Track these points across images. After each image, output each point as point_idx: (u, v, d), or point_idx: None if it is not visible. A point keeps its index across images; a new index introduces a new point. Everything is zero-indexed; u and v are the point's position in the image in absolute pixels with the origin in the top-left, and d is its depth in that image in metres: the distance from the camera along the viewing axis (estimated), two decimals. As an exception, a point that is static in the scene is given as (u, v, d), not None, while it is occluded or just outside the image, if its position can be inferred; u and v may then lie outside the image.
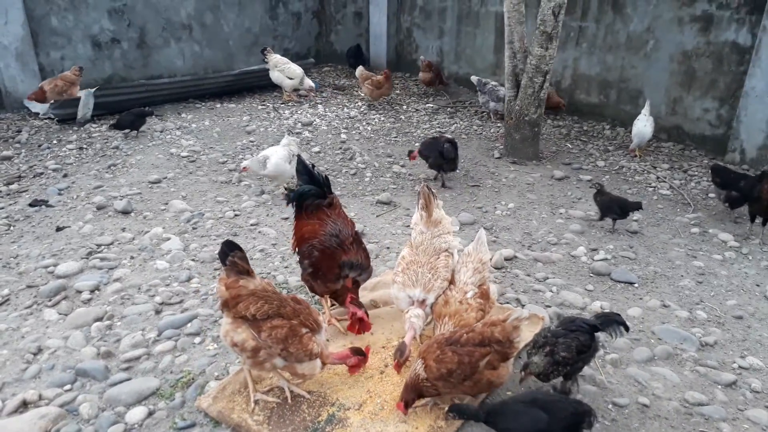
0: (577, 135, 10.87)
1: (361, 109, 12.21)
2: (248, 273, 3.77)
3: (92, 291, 5.32)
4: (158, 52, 13.33)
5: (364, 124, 11.24)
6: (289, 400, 3.94)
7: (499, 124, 11.16)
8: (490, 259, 4.50)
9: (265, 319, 3.65)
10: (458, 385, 3.69)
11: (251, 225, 6.85)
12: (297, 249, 4.76)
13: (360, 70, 12.42)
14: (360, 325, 4.45)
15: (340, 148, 9.80)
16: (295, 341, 3.66)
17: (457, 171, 8.63)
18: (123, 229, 6.66)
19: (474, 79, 11.84)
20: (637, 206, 7.01)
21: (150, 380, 4.13)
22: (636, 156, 9.63)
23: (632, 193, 8.37)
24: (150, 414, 3.84)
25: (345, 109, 12.20)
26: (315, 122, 11.23)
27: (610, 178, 8.93)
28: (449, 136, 8.65)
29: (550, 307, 5.29)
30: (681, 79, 10.16)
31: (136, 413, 3.82)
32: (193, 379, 4.17)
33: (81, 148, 9.62)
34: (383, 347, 4.54)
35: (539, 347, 3.85)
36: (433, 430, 3.71)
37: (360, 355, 3.95)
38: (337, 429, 3.71)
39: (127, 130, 10.09)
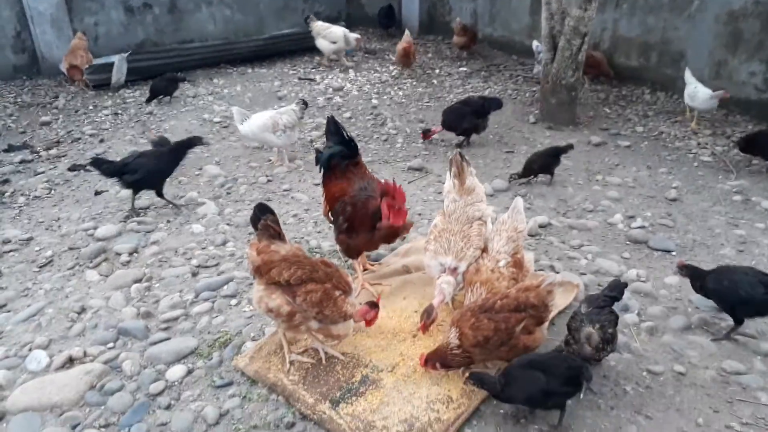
0: (616, 99, 10.57)
1: (393, 74, 12.07)
2: (280, 236, 3.80)
3: (131, 253, 5.45)
4: (190, 16, 13.32)
5: (396, 88, 11.12)
6: (324, 362, 4.00)
7: (534, 89, 10.91)
8: (526, 228, 4.44)
9: (299, 284, 3.68)
10: (494, 351, 3.69)
11: (284, 191, 6.89)
12: (330, 210, 4.81)
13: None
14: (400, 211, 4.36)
15: (371, 114, 9.73)
16: (330, 304, 3.70)
17: (486, 135, 8.50)
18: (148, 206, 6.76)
19: (534, 45, 11.31)
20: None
21: (188, 340, 4.24)
22: (696, 131, 9.04)
23: (671, 159, 8.14)
24: (189, 372, 3.95)
25: (376, 74, 12.07)
26: (346, 87, 11.15)
27: (648, 144, 8.69)
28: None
29: (585, 274, 5.23)
30: (726, 41, 9.73)
31: (176, 371, 3.93)
32: (229, 339, 4.26)
33: (116, 114, 9.76)
34: (415, 311, 4.55)
35: (583, 325, 3.74)
36: (466, 394, 3.74)
37: (374, 307, 3.95)
38: (370, 389, 3.77)
39: (160, 96, 10.16)
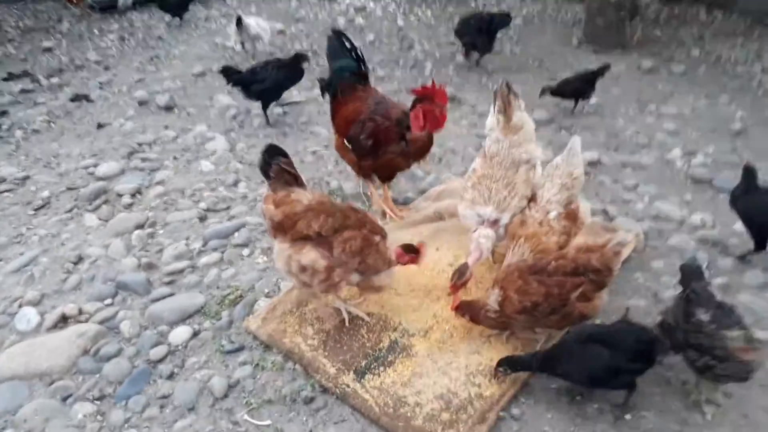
0: (667, 20, 9.52)
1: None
2: (297, 181, 3.23)
3: (133, 195, 4.94)
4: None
5: (424, 8, 10.17)
6: (347, 323, 3.51)
7: (577, 8, 9.88)
8: (583, 174, 3.79)
9: (333, 234, 3.15)
10: (542, 319, 3.15)
11: (301, 123, 6.25)
12: (345, 137, 4.29)
13: None
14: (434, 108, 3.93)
15: (397, 36, 8.88)
16: (372, 251, 3.22)
17: (525, 60, 7.66)
18: (165, 127, 6.19)
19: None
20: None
21: (195, 296, 3.77)
22: None
23: (733, 87, 7.26)
24: (195, 334, 3.49)
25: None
26: (368, 7, 10.23)
27: (706, 70, 7.78)
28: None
29: (642, 220, 4.59)
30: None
31: (180, 333, 3.47)
32: (241, 296, 3.78)
33: (122, 39, 9.08)
34: (450, 265, 3.99)
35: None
36: (510, 363, 3.22)
37: (412, 252, 3.42)
38: (400, 358, 3.28)
39: (170, 16, 9.41)
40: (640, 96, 7.02)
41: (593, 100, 6.75)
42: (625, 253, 3.72)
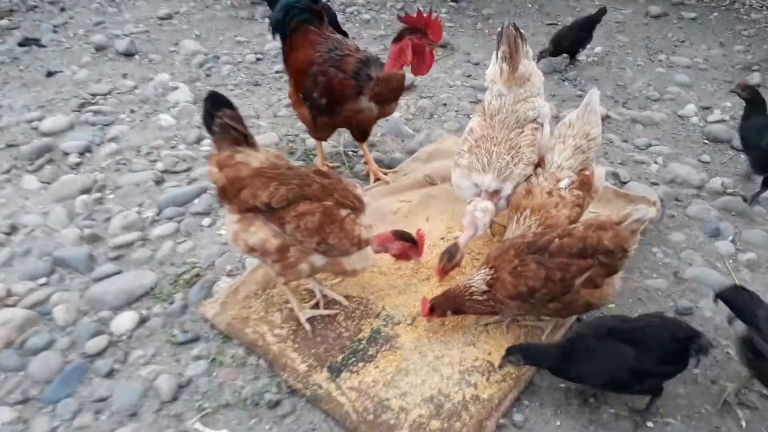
0: None
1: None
2: (247, 140, 2.65)
3: (82, 153, 4.32)
4: None
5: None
6: (321, 308, 3.00)
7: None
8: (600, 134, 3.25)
9: (287, 207, 2.59)
10: (540, 308, 2.67)
11: (276, 72, 5.60)
12: (299, 91, 3.74)
13: None
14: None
15: (384, -23, 8.10)
16: (335, 228, 2.64)
17: (524, 3, 6.99)
18: (124, 75, 5.51)
19: None
20: None
21: (144, 274, 3.23)
22: None
23: (748, 35, 6.69)
24: (141, 322, 2.97)
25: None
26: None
27: (719, 15, 7.18)
28: None
29: (657, 184, 4.08)
30: None
31: (124, 321, 2.95)
32: (198, 274, 3.25)
33: (82, -24, 8.21)
34: (442, 239, 3.49)
35: None
36: (512, 357, 2.75)
37: (408, 241, 2.89)
38: (383, 352, 2.79)
39: None
40: (648, 44, 6.44)
41: (598, 48, 6.15)
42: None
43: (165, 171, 4.12)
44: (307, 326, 2.88)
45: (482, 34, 6.65)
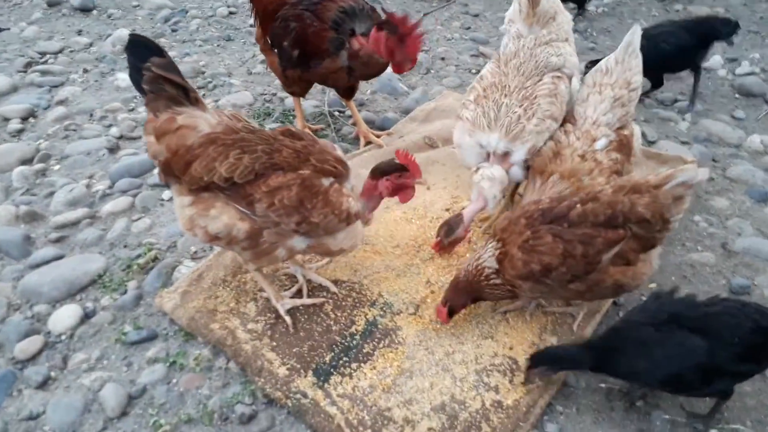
0: None
1: None
2: (187, 96, 2.04)
3: (25, 119, 3.73)
4: None
5: None
6: (305, 296, 2.48)
7: None
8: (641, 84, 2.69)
9: (254, 180, 2.03)
10: (558, 290, 2.16)
11: (251, 26, 4.98)
12: (266, 35, 3.20)
13: None
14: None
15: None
16: (318, 203, 2.09)
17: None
18: (79, 32, 4.88)
19: None
20: None
21: (91, 259, 2.68)
22: None
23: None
24: (86, 317, 2.43)
25: None
26: None
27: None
28: None
29: (687, 143, 3.58)
30: None
31: (64, 316, 2.41)
32: (156, 257, 2.70)
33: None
34: (447, 210, 2.96)
35: None
36: (537, 348, 2.26)
37: (393, 172, 2.27)
38: (382, 349, 2.28)
39: None
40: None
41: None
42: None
43: (121, 137, 3.55)
44: (288, 319, 2.36)
45: (481, -15, 6.04)
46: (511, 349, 2.28)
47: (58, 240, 2.81)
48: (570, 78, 2.76)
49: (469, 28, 5.08)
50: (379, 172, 2.27)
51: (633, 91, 2.57)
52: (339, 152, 2.24)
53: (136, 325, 2.40)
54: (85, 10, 5.27)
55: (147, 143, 2.06)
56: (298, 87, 3.25)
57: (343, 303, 2.46)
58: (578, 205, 2.10)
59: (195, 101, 2.05)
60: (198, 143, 2.00)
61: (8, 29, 4.96)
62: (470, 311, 2.41)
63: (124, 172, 3.19)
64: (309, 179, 2.07)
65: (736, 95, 4.21)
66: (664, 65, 3.87)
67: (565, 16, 2.83)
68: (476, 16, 5.31)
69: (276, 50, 3.14)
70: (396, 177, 2.26)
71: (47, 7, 5.36)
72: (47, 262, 2.67)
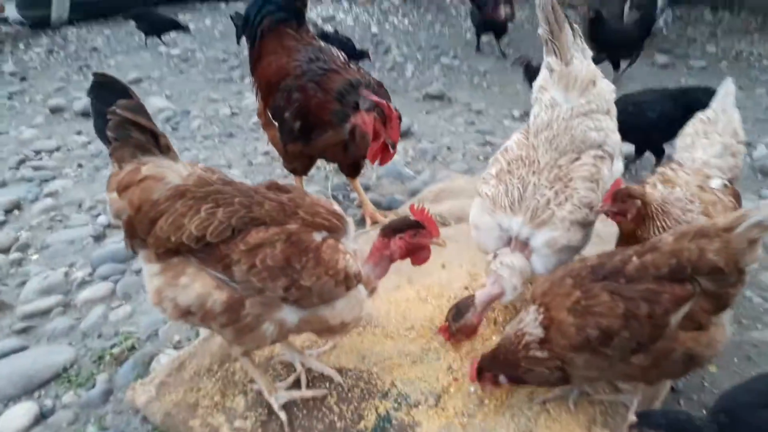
0: (671, 21, 8.57)
1: (395, 2, 10.03)
2: (157, 144, 1.77)
3: (9, 211, 3.50)
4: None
5: (400, 16, 9.11)
6: (303, 387, 2.09)
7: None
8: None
9: (230, 239, 1.72)
10: (618, 364, 1.77)
11: (253, 124, 4.92)
12: (267, 105, 3.02)
13: None
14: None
15: (371, 42, 7.72)
16: (308, 262, 1.75)
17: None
18: (78, 133, 4.83)
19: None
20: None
21: (58, 351, 2.33)
22: None
23: (765, 80, 6.22)
24: (42, 417, 2.04)
25: (374, 4, 10.03)
26: (338, 17, 9.12)
27: (729, 64, 6.76)
28: None
29: (720, 221, 3.32)
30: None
31: (14, 417, 2.01)
32: (133, 347, 2.35)
33: (51, 51, 7.76)
34: (466, 288, 2.63)
35: None
36: None
37: (406, 229, 1.95)
38: (398, 450, 1.86)
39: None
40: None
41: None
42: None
43: (109, 225, 3.30)
44: (282, 415, 1.95)
45: (480, 87, 6.11)
46: (561, 444, 1.87)
47: (23, 330, 2.47)
48: (612, 159, 2.38)
49: (473, 123, 5.02)
50: (391, 230, 1.95)
51: (740, 143, 2.39)
52: (336, 207, 1.95)
53: (101, 425, 2.00)
54: (87, 114, 5.25)
55: (109, 201, 1.75)
56: (299, 163, 3.05)
57: (350, 395, 2.07)
58: (634, 258, 1.78)
59: (165, 149, 1.77)
60: (165, 197, 1.70)
61: (6, 133, 4.89)
62: (502, 402, 2.02)
63: (107, 257, 2.91)
64: (297, 234, 1.75)
65: (758, 175, 4.04)
66: (647, 133, 3.78)
67: (607, 84, 2.45)
68: (479, 112, 5.29)
69: (277, 123, 2.96)
70: (411, 235, 1.94)
71: (49, 114, 5.36)
72: (6, 354, 2.31)
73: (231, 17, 3.63)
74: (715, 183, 2.21)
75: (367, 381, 2.12)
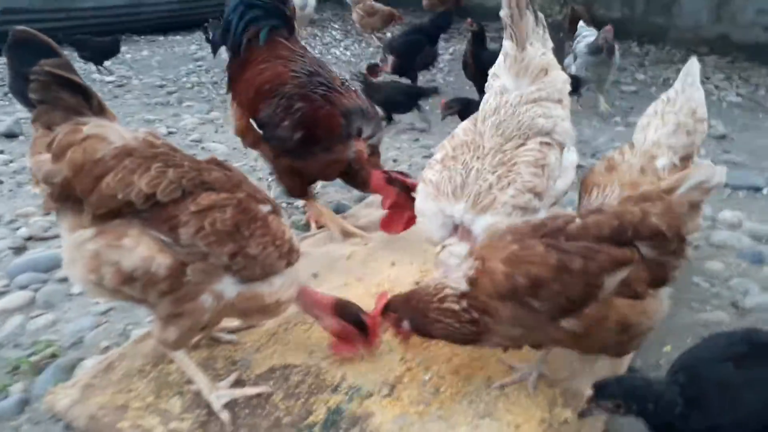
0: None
1: (336, 36, 10.12)
2: (89, 104, 1.68)
3: None
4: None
5: (342, 48, 9.19)
6: (246, 384, 1.92)
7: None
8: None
9: (180, 200, 1.64)
10: (545, 325, 1.69)
11: (191, 141, 4.76)
12: (255, 114, 2.76)
13: None
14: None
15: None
16: (257, 228, 1.73)
17: (459, 92, 6.65)
18: (1, 152, 4.52)
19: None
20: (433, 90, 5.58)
21: (-33, 362, 2.07)
22: None
23: (692, 103, 6.56)
24: (-59, 433, 1.78)
25: (316, 38, 10.10)
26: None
27: (658, 89, 7.06)
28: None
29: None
30: (727, -26, 8.34)
31: None
32: (54, 354, 2.12)
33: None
34: (416, 283, 2.53)
35: None
36: (551, 427, 1.75)
37: (353, 322, 1.94)
38: (351, 443, 1.71)
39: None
40: (597, 111, 6.12)
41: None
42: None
43: (30, 238, 3.05)
44: (224, 415, 1.79)
45: (424, 110, 6.16)
46: (517, 428, 1.77)
47: (-74, 344, 2.20)
48: (562, 148, 2.35)
49: (417, 139, 5.03)
50: (341, 311, 1.94)
51: (699, 122, 2.46)
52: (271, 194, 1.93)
53: (14, 436, 1.76)
54: (11, 136, 4.97)
55: (34, 165, 1.62)
56: (292, 182, 2.87)
57: (297, 390, 1.92)
58: (577, 219, 1.74)
59: (99, 110, 1.69)
60: (111, 155, 1.60)
61: None
62: (458, 390, 1.91)
63: (26, 267, 2.66)
64: (247, 201, 1.71)
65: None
66: None
67: (560, 75, 2.47)
68: (422, 131, 5.31)
69: (263, 133, 2.74)
70: (350, 330, 1.94)
71: (-33, 135, 5.03)
72: None
73: (204, 27, 3.41)
74: (661, 162, 2.22)
75: (316, 376, 1.98)
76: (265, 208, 1.78)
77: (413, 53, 6.42)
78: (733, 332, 1.64)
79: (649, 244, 1.68)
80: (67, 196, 1.62)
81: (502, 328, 1.71)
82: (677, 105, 2.46)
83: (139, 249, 1.62)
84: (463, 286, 1.71)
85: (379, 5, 9.26)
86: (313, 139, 2.65)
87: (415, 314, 1.78)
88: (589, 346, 1.77)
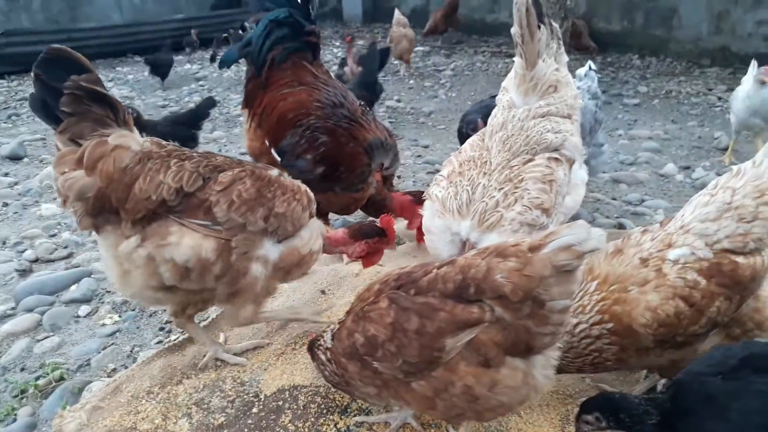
0: (602, 67, 8.99)
1: (338, 57, 10.20)
2: (116, 116, 1.73)
3: None
4: (89, 2, 11.07)
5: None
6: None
7: (506, 60, 9.25)
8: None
9: (203, 186, 1.80)
10: (395, 386, 1.56)
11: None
12: (275, 141, 2.72)
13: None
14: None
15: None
16: (276, 189, 1.93)
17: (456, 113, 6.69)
18: (6, 174, 4.54)
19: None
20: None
21: (-27, 387, 2.05)
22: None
23: (695, 114, 6.55)
24: (-52, 460, 1.76)
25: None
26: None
27: (661, 102, 7.09)
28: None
29: (670, 232, 3.36)
30: (726, -14, 8.39)
31: None
32: (62, 377, 2.11)
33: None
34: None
35: None
36: None
37: (374, 236, 2.15)
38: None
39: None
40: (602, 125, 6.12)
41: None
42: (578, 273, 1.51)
43: (36, 260, 3.05)
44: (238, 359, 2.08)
45: (426, 126, 6.19)
46: (527, 450, 1.73)
47: (-68, 369, 2.18)
48: (571, 164, 2.31)
49: (420, 156, 5.05)
50: (360, 234, 2.14)
51: (765, 206, 1.76)
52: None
53: (21, 462, 1.74)
54: (15, 158, 5.01)
55: (66, 183, 1.68)
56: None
57: (306, 411, 1.89)
58: (435, 270, 1.55)
59: (123, 121, 1.77)
60: (133, 162, 1.72)
61: None
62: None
63: (33, 289, 2.66)
64: (257, 170, 1.94)
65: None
66: None
67: (571, 90, 2.43)
68: (426, 147, 5.32)
69: (281, 161, 2.68)
70: (375, 241, 2.15)
71: (-29, 160, 5.06)
72: None
73: (222, 38, 3.35)
74: (674, 253, 1.77)
75: (324, 396, 1.95)
76: (274, 172, 1.97)
77: None
78: (732, 346, 1.61)
79: (498, 304, 1.44)
80: (101, 209, 1.70)
81: (357, 385, 1.62)
82: (742, 181, 1.80)
83: (186, 241, 1.76)
84: (329, 341, 1.67)
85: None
86: (335, 176, 2.62)
87: (311, 355, 1.76)
88: (443, 411, 1.56)
